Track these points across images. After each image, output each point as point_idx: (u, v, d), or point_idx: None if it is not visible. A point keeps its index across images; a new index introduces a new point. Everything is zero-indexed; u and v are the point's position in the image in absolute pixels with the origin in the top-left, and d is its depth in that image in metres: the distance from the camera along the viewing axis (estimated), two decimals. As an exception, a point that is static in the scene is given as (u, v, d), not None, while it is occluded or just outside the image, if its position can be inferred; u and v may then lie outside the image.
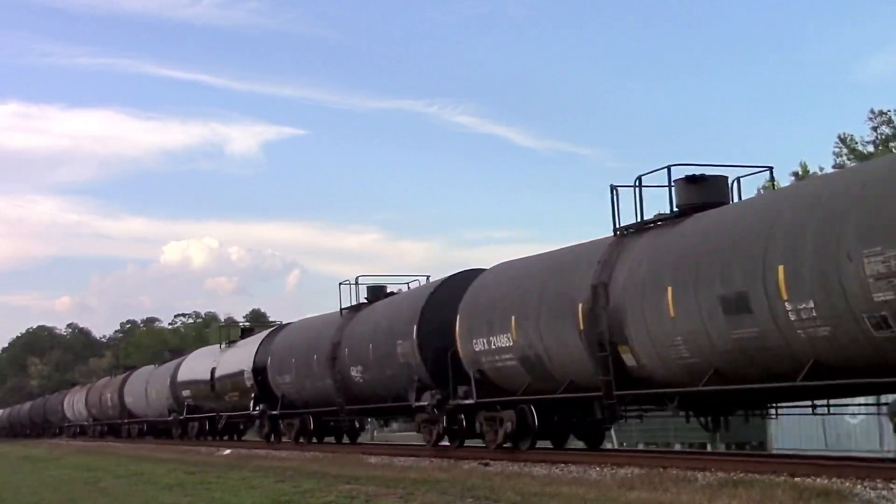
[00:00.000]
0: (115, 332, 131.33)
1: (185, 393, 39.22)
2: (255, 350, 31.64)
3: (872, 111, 49.73)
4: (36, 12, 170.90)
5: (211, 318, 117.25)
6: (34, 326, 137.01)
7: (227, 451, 29.87)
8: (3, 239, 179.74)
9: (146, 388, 45.03)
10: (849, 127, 65.65)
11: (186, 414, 39.21)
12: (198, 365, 38.27)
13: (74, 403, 62.99)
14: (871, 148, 49.01)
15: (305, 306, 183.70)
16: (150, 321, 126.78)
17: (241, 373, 32.22)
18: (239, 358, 33.16)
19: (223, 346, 36.68)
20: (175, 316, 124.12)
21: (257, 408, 30.89)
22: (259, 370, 30.72)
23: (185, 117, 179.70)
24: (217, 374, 34.95)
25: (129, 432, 49.98)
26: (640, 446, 29.55)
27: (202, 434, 38.59)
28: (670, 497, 11.21)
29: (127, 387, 49.18)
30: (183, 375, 39.80)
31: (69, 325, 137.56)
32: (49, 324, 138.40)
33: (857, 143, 50.26)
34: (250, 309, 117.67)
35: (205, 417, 37.72)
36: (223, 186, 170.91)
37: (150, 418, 45.64)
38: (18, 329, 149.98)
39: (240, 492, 15.13)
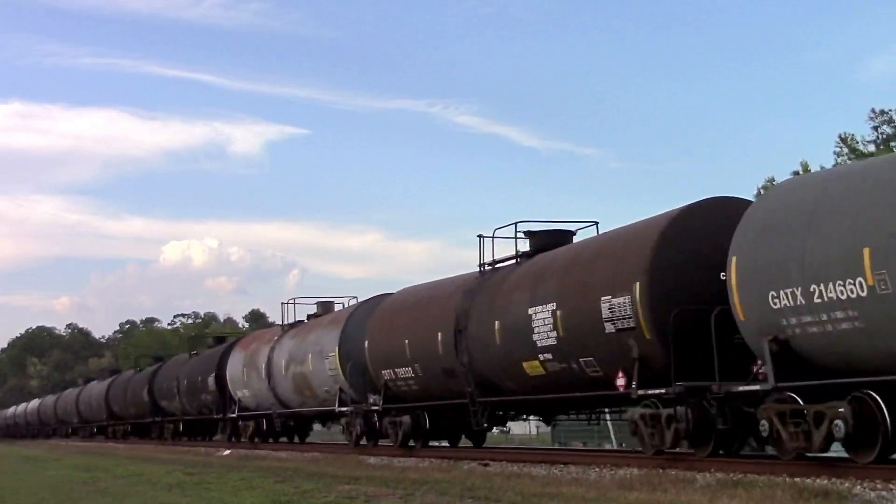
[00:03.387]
0: (115, 332, 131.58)
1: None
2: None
3: (873, 110, 49.66)
4: (38, 12, 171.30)
5: (210, 319, 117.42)
6: (33, 327, 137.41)
7: (227, 452, 29.80)
8: (3, 239, 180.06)
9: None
10: (850, 126, 65.48)
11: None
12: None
13: (251, 376, 32.40)
14: (871, 147, 49.02)
15: (306, 307, 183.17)
16: (150, 321, 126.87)
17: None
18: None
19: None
20: (174, 316, 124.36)
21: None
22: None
23: (187, 117, 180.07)
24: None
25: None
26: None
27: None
28: (670, 497, 11.19)
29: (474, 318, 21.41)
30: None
31: (68, 326, 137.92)
32: (49, 324, 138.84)
33: (858, 142, 50.24)
34: (250, 309, 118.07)
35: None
36: (224, 186, 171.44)
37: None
38: (18, 329, 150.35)
39: (239, 492, 15.05)
